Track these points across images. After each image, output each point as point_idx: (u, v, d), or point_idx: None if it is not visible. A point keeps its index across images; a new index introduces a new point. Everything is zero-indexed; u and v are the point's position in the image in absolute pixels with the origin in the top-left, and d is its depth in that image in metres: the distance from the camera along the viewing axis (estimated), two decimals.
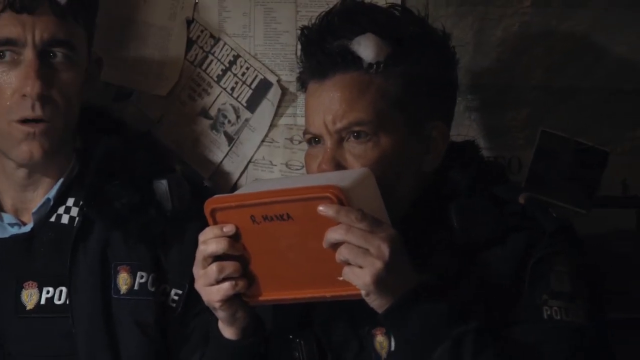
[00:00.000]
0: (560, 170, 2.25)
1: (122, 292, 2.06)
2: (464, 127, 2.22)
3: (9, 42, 2.00)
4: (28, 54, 2.00)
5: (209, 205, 1.75)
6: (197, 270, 1.79)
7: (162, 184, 2.08)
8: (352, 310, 1.83)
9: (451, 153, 1.92)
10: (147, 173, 2.09)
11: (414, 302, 1.70)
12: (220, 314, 1.81)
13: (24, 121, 2.00)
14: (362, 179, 1.75)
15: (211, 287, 1.77)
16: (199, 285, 1.79)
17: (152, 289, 2.07)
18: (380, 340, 1.84)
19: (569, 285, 1.81)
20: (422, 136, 1.88)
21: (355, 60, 1.85)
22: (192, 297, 1.99)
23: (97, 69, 2.15)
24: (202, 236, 1.77)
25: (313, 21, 1.92)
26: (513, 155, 2.26)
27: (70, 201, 2.10)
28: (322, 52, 1.87)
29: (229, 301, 1.78)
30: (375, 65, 1.85)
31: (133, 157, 2.11)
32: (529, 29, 2.24)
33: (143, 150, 2.13)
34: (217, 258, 1.76)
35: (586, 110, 2.26)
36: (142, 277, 2.06)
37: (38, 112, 2.00)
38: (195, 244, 1.80)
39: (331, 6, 1.93)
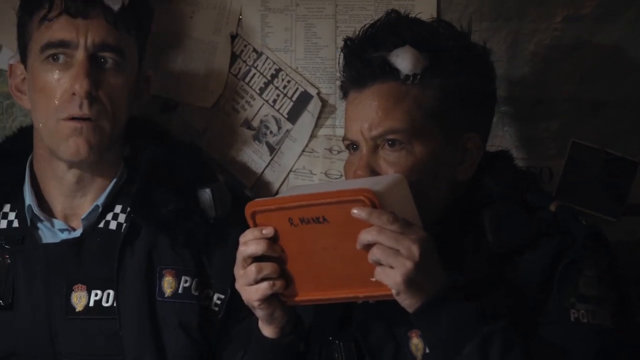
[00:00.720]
0: (591, 179, 2.28)
1: (166, 295, 2.11)
2: (497, 138, 2.26)
3: (63, 44, 2.07)
4: (79, 56, 2.07)
5: (249, 208, 1.80)
6: (238, 271, 1.83)
7: (206, 193, 2.13)
8: (389, 312, 1.87)
9: (485, 162, 1.95)
10: (192, 181, 2.14)
11: (443, 301, 1.74)
12: (259, 313, 1.86)
13: (72, 119, 2.07)
14: (395, 183, 1.79)
15: (250, 286, 1.82)
16: (239, 285, 1.84)
17: (196, 293, 2.11)
18: (416, 343, 1.88)
19: (597, 290, 1.84)
20: (457, 146, 1.92)
21: (392, 71, 1.90)
22: (236, 302, 2.03)
23: (145, 85, 2.21)
24: (243, 238, 1.82)
25: (357, 33, 1.96)
26: (544, 165, 2.30)
27: (118, 208, 2.16)
28: (362, 62, 1.92)
29: (267, 300, 1.83)
30: (411, 77, 1.89)
31: (178, 165, 2.16)
32: (560, 43, 2.27)
33: (187, 159, 2.18)
34: (256, 259, 1.81)
35: (615, 122, 2.28)
36: (186, 281, 2.11)
37: (85, 110, 2.06)
38: (236, 251, 1.85)
39: (369, 22, 1.97)
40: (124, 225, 2.13)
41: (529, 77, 2.29)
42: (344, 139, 1.95)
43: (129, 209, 2.14)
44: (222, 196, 2.15)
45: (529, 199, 1.93)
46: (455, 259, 1.84)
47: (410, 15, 2.02)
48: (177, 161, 2.17)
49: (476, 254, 1.88)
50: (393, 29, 1.94)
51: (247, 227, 1.82)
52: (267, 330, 1.90)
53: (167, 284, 2.11)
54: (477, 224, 1.89)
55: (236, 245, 1.84)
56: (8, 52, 2.35)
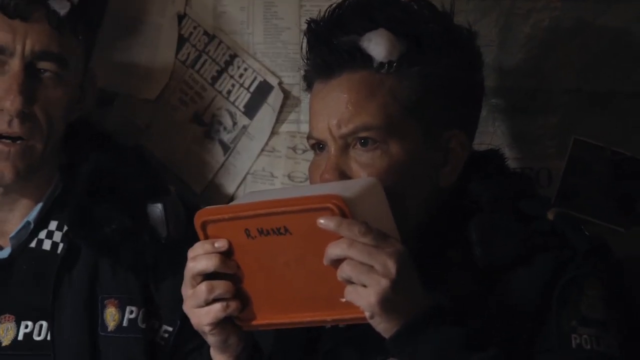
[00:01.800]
0: (595, 183, 2.28)
1: (109, 329, 2.11)
2: (488, 135, 2.27)
3: None
4: (14, 65, 2.06)
5: (199, 217, 1.80)
6: (186, 290, 1.82)
7: (157, 208, 2.14)
8: (361, 338, 1.87)
9: (472, 163, 1.97)
10: (140, 195, 2.14)
11: (424, 326, 1.73)
12: (210, 340, 1.85)
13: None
14: (368, 189, 1.79)
15: (200, 308, 1.81)
16: (187, 307, 1.83)
17: (143, 326, 2.13)
18: None
19: (601, 312, 1.86)
20: (439, 146, 1.93)
21: (364, 59, 1.90)
22: (185, 333, 2.05)
23: (91, 88, 2.21)
24: (192, 252, 1.81)
25: (322, 14, 1.96)
26: (542, 167, 2.31)
27: (53, 224, 2.16)
28: (328, 48, 1.92)
29: (220, 325, 1.82)
30: (386, 65, 1.90)
31: (124, 176, 2.16)
32: (560, 25, 2.28)
33: (135, 168, 2.18)
34: (207, 277, 1.80)
35: (624, 116, 2.28)
36: (131, 312, 2.12)
37: (15, 128, 2.05)
38: None
39: (337, 1, 1.98)
40: (61, 246, 2.13)
41: (524, 65, 2.30)
42: (309, 137, 1.96)
43: (65, 226, 2.13)
44: (176, 212, 2.15)
45: (523, 206, 1.94)
46: (438, 276, 1.85)
47: None
48: (123, 171, 2.17)
49: (462, 271, 1.89)
50: (364, 9, 1.95)
51: None
52: (221, 359, 1.89)
53: (110, 316, 2.12)
54: (462, 235, 1.90)
55: None
56: None
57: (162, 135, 2.40)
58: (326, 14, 1.97)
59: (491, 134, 2.29)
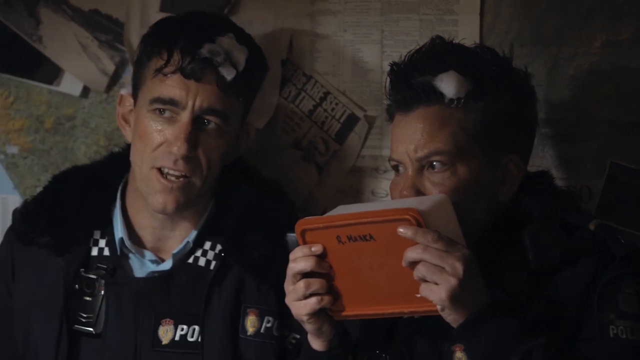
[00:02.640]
0: (630, 199, 2.26)
1: (248, 333, 2.13)
2: (538, 158, 2.26)
3: (172, 102, 2.08)
4: (184, 117, 2.08)
5: (299, 226, 1.83)
6: (287, 286, 1.85)
7: (294, 237, 2.11)
8: (433, 326, 1.88)
9: (526, 182, 1.96)
10: (282, 226, 2.12)
11: (486, 317, 1.75)
12: (308, 327, 1.88)
13: (164, 175, 2.09)
14: (440, 203, 1.81)
15: (299, 301, 1.84)
16: (288, 300, 1.86)
17: (277, 334, 2.13)
18: (459, 357, 1.88)
19: (636, 307, 1.84)
20: (499, 168, 1.93)
21: (437, 95, 1.91)
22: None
23: (245, 137, 2.21)
24: (292, 255, 1.84)
25: (402, 58, 1.98)
26: (583, 185, 2.29)
27: (207, 244, 2.17)
28: (407, 86, 1.94)
29: (316, 315, 1.84)
30: (455, 101, 1.91)
31: (269, 210, 2.17)
32: (598, 68, 2.28)
33: (276, 203, 2.19)
34: (305, 275, 1.83)
35: None
36: (269, 321, 2.13)
37: (180, 167, 2.07)
38: None
39: (414, 47, 1.99)
40: (213, 263, 2.15)
41: (568, 100, 2.29)
42: (390, 159, 1.97)
43: (218, 246, 2.16)
44: None
45: (569, 218, 1.93)
46: (495, 276, 1.84)
47: (454, 41, 2.03)
48: (268, 205, 2.18)
49: (516, 272, 1.88)
50: (437, 54, 1.96)
51: None
52: (316, 344, 1.91)
53: (250, 323, 2.13)
54: (517, 242, 1.89)
55: None
56: (70, 77, 2.40)
57: (268, 158, 2.41)
58: (405, 58, 1.98)
59: (541, 158, 2.28)
